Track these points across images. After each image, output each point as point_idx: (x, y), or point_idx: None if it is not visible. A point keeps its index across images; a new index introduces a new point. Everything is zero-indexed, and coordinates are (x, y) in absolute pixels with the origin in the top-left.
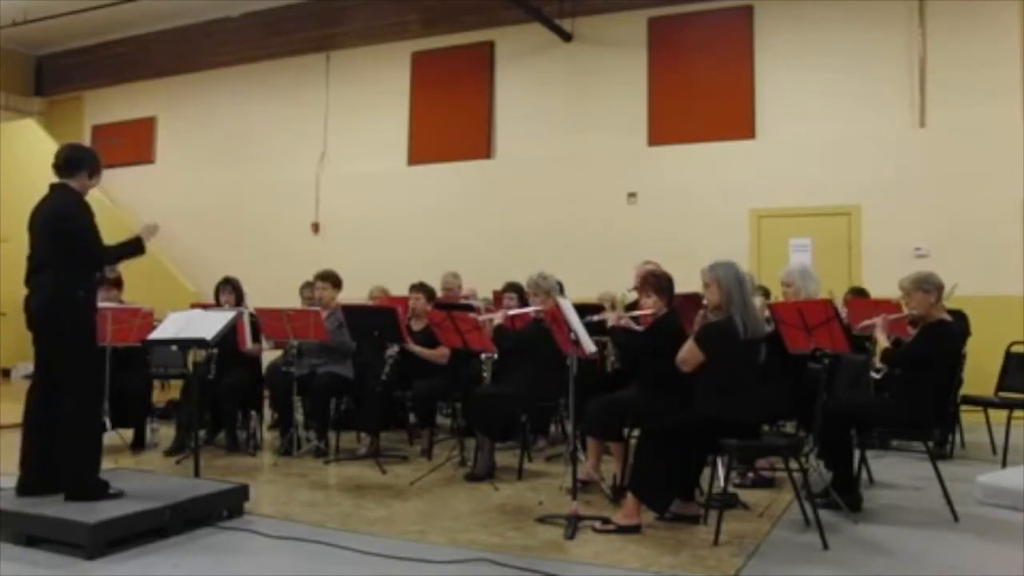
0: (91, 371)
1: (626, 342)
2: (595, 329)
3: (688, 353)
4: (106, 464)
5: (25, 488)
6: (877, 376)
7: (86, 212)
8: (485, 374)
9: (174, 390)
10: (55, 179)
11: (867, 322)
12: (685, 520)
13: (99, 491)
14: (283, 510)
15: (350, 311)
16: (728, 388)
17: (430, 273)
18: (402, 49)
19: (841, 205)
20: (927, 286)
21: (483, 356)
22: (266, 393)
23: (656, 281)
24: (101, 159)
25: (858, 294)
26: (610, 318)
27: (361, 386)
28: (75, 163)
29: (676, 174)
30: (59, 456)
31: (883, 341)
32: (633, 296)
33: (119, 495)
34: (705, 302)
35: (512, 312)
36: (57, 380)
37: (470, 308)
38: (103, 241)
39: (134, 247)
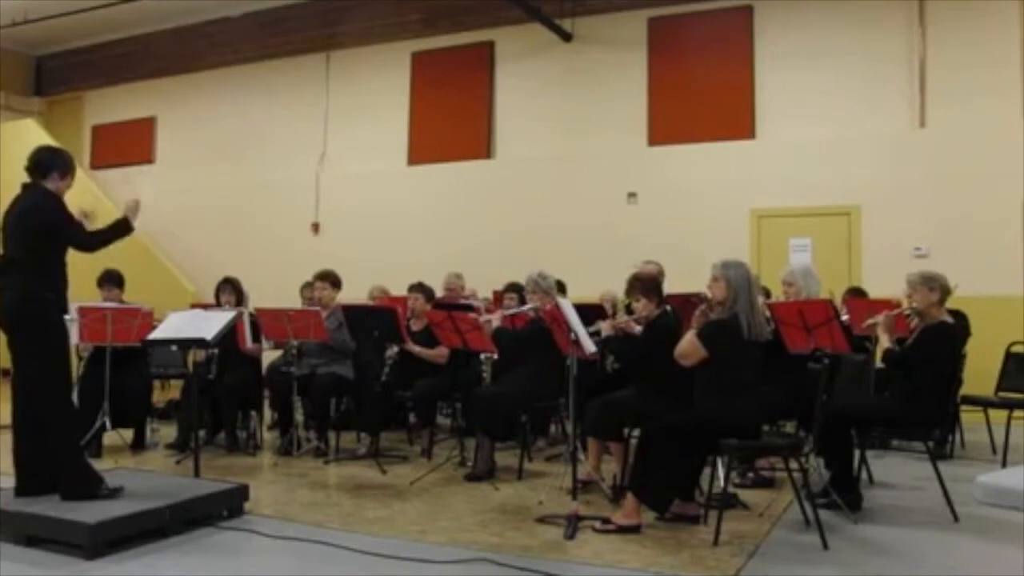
0: (61, 372)
1: (624, 348)
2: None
3: (689, 346)
4: (106, 464)
5: (22, 491)
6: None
7: (59, 209)
8: (485, 374)
9: (174, 390)
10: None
11: (870, 320)
12: (685, 520)
13: (94, 488)
14: (283, 510)
15: (350, 311)
16: (728, 388)
17: (430, 273)
18: (402, 49)
19: (841, 205)
20: (933, 284)
21: (483, 356)
22: (266, 393)
23: (642, 284)
24: (73, 160)
25: (856, 294)
26: (604, 328)
27: (361, 386)
28: (45, 166)
29: (676, 174)
30: (50, 458)
31: (885, 341)
32: None
33: (117, 491)
34: (710, 297)
35: (509, 312)
36: (29, 381)
37: (470, 308)
38: (85, 230)
39: (121, 228)
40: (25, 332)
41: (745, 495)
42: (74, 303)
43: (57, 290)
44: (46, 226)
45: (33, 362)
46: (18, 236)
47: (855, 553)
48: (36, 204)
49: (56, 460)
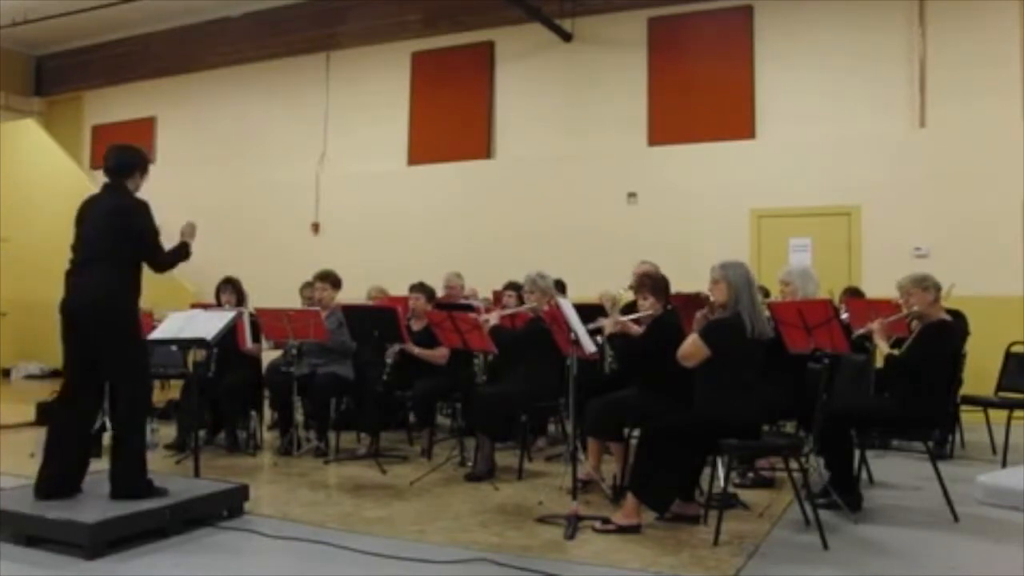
0: (142, 372)
1: (626, 347)
2: (593, 333)
3: (692, 347)
4: (106, 464)
5: (42, 491)
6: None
7: (150, 219)
8: (478, 371)
9: (174, 390)
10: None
11: (862, 330)
12: (685, 520)
13: (147, 490)
14: (283, 510)
15: (350, 311)
16: (729, 388)
17: (430, 273)
18: (402, 49)
19: (841, 205)
20: (925, 284)
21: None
22: (266, 393)
23: (652, 282)
24: (149, 157)
25: (853, 294)
26: (607, 326)
27: (361, 386)
28: (129, 165)
29: (676, 174)
30: (113, 456)
31: (884, 347)
32: (630, 295)
33: (163, 492)
34: (712, 300)
35: (507, 311)
36: (106, 382)
37: (470, 308)
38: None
39: (183, 252)
40: (106, 332)
41: (745, 495)
42: None
43: (137, 289)
44: (138, 230)
45: (112, 363)
46: (105, 235)
47: (855, 553)
48: (129, 206)
49: (122, 459)
